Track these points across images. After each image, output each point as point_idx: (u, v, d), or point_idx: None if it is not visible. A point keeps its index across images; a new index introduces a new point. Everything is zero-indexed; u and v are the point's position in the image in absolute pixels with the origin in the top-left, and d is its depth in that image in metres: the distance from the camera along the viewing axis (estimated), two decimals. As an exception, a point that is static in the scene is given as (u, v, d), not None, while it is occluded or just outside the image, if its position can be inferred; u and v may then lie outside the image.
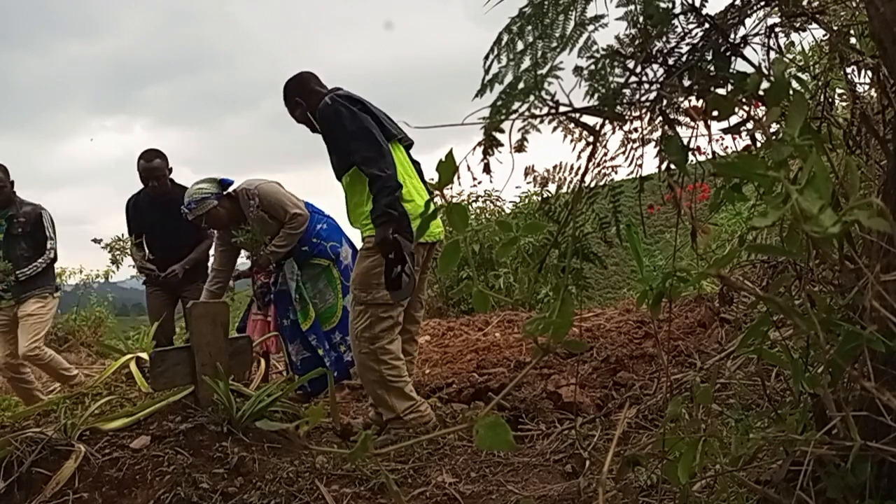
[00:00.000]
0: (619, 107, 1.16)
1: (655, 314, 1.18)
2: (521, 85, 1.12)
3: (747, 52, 1.28)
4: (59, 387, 4.62)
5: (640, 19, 1.17)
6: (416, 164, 3.09)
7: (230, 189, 3.71)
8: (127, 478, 2.16)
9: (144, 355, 3.08)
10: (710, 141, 1.25)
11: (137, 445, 2.29)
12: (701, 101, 1.22)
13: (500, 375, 3.55)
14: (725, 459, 1.41)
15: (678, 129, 1.26)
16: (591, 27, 1.15)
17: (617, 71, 1.17)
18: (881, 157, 1.54)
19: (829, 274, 1.42)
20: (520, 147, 1.23)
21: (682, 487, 1.27)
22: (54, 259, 4.46)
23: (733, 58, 1.23)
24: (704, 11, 1.24)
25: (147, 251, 4.34)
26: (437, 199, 1.19)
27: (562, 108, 1.13)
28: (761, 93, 1.08)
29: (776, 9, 1.37)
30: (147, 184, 4.20)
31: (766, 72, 1.22)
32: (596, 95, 1.14)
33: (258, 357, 3.55)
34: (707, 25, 1.24)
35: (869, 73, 1.58)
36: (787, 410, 1.49)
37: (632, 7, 1.17)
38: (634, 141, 1.43)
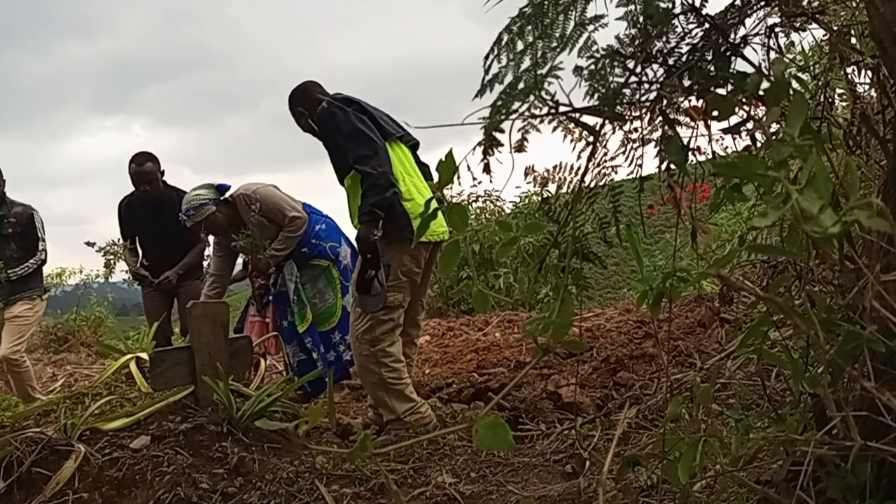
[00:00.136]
0: (619, 107, 1.16)
1: (655, 314, 1.17)
2: (521, 85, 1.12)
3: (747, 52, 1.28)
4: (59, 387, 4.60)
5: (640, 19, 1.17)
6: (424, 167, 3.09)
7: (227, 194, 3.72)
8: (127, 478, 2.16)
9: (144, 355, 3.08)
10: (710, 141, 1.25)
11: (137, 445, 2.29)
12: (701, 101, 1.22)
13: (500, 375, 3.55)
14: (725, 459, 1.40)
15: (678, 129, 1.26)
16: (591, 27, 1.15)
17: (617, 71, 1.17)
18: (881, 157, 1.54)
19: (829, 274, 1.42)
20: (520, 147, 1.23)
21: (682, 487, 1.27)
22: (45, 260, 4.42)
23: (733, 58, 1.23)
24: (704, 11, 1.24)
25: (141, 254, 4.34)
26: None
27: (562, 108, 1.13)
28: (761, 93, 1.08)
29: (776, 9, 1.37)
30: (139, 187, 4.18)
31: (766, 72, 1.22)
32: (596, 95, 1.14)
33: (258, 358, 3.55)
34: (707, 25, 1.24)
35: (869, 73, 1.58)
36: (787, 410, 1.49)
37: (632, 7, 1.17)
38: (634, 141, 1.43)
